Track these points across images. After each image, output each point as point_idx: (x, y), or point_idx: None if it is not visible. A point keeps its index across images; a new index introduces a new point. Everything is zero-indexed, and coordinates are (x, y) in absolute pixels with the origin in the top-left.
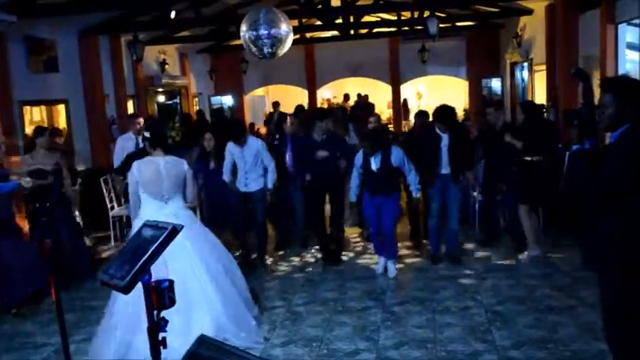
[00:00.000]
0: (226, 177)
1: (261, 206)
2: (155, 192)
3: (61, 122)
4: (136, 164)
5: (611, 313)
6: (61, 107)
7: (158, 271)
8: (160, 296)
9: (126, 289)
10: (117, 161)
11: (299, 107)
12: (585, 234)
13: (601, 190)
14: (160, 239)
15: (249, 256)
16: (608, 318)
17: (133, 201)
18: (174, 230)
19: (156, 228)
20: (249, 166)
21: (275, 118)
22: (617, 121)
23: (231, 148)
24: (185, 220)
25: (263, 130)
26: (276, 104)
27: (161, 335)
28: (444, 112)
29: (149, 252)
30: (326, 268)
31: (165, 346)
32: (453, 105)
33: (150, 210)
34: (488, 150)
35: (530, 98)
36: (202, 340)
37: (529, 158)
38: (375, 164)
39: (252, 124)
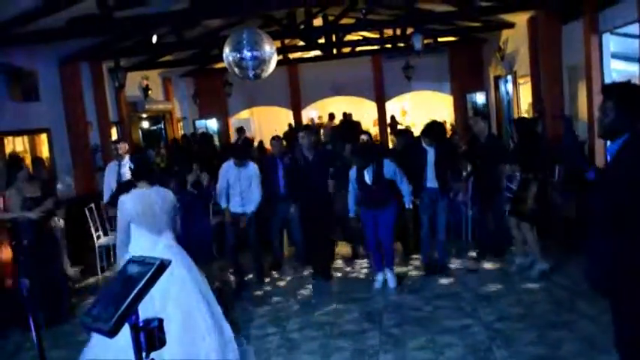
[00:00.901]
0: (222, 201)
1: (255, 228)
2: (151, 226)
3: (44, 151)
4: (128, 200)
5: (623, 334)
6: (44, 136)
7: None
8: (150, 337)
9: (112, 333)
10: (106, 191)
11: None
12: (591, 255)
13: (609, 214)
14: (147, 275)
15: (243, 279)
16: (620, 338)
17: (121, 239)
18: (162, 265)
19: (142, 264)
20: (245, 188)
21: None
22: (617, 128)
23: (228, 169)
24: (178, 251)
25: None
26: (240, 130)
27: None
28: (430, 126)
29: (136, 290)
30: (319, 290)
31: None
32: (440, 121)
33: (144, 244)
34: (475, 164)
35: (515, 111)
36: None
37: (526, 176)
38: (368, 178)
39: (260, 142)
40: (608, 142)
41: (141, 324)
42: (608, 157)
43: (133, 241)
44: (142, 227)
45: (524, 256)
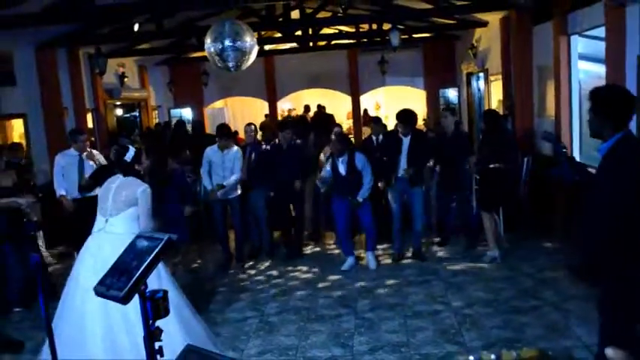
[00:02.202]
0: (207, 183)
1: (238, 212)
2: (102, 210)
3: (15, 137)
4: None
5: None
6: (15, 122)
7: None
8: (155, 306)
9: (124, 300)
10: (60, 183)
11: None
12: (586, 231)
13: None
14: (156, 250)
15: (231, 260)
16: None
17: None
18: (170, 241)
19: (150, 239)
20: (228, 173)
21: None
22: (599, 129)
23: (210, 154)
24: (116, 244)
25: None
26: (179, 124)
27: (157, 344)
28: (405, 112)
29: (145, 263)
30: (296, 276)
31: (162, 355)
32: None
33: (95, 226)
34: (441, 156)
35: (487, 107)
36: (189, 350)
37: (492, 166)
38: (342, 168)
39: (235, 132)
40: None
41: (147, 294)
42: (599, 155)
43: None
44: (98, 210)
45: (496, 247)
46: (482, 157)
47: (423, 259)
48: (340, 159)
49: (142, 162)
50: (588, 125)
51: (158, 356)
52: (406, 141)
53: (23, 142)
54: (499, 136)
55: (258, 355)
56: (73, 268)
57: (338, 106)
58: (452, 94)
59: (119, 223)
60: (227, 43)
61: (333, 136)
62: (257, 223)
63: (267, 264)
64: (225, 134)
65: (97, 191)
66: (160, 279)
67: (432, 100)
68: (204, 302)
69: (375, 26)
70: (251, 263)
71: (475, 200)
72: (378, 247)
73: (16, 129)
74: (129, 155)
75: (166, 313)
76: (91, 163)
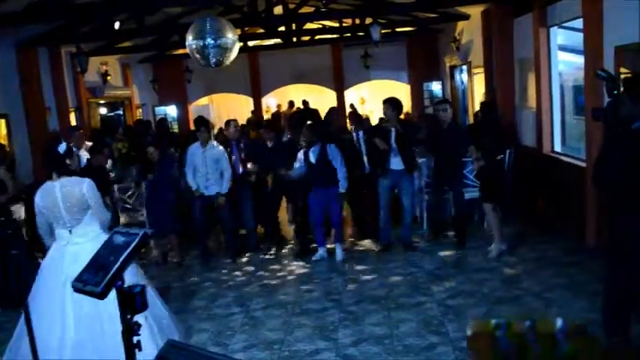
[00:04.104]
0: (191, 181)
1: (227, 208)
2: (57, 220)
3: None
4: (38, 192)
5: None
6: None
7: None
8: (132, 301)
9: (102, 295)
10: None
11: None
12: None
13: None
14: (133, 244)
15: (208, 258)
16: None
17: (42, 230)
18: (146, 235)
19: (127, 234)
20: (211, 170)
21: None
22: (634, 111)
23: (193, 151)
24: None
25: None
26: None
27: (135, 339)
28: (393, 99)
29: (122, 258)
30: (282, 271)
31: (140, 349)
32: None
33: (58, 239)
34: (438, 148)
35: (470, 100)
36: (171, 345)
37: (499, 157)
38: (313, 157)
39: (220, 130)
40: None
41: (125, 289)
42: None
43: (55, 232)
44: (52, 221)
45: (503, 239)
46: (485, 149)
47: (413, 250)
48: (312, 149)
49: (72, 157)
50: (611, 109)
51: (136, 350)
52: (393, 132)
53: (6, 142)
54: (496, 126)
55: (243, 350)
56: (39, 276)
57: (323, 101)
58: (436, 87)
59: (83, 231)
60: (208, 40)
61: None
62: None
63: (251, 259)
64: (203, 125)
65: (37, 199)
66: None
67: (416, 94)
68: (190, 298)
69: (357, 21)
70: (240, 258)
71: (478, 192)
72: (365, 240)
73: (1, 129)
74: (61, 148)
75: (144, 307)
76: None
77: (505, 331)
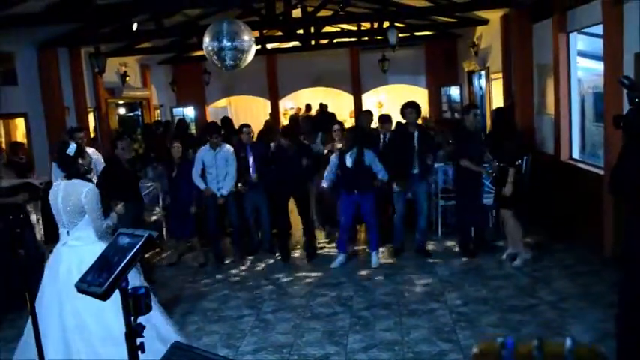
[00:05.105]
0: (199, 182)
1: (235, 209)
2: (58, 220)
3: (19, 136)
4: (52, 188)
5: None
6: (19, 121)
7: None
8: (137, 302)
9: (104, 296)
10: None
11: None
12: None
13: None
14: (137, 246)
15: (221, 260)
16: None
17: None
18: (150, 237)
19: (132, 236)
20: (221, 172)
21: None
22: None
23: (203, 154)
24: (83, 253)
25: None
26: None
27: (138, 340)
28: (413, 103)
29: (126, 259)
30: (293, 274)
31: (143, 351)
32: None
33: (60, 238)
34: (466, 155)
35: (487, 105)
36: (176, 347)
37: (519, 162)
38: (349, 161)
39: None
40: None
41: (130, 291)
42: None
43: None
44: (57, 221)
45: (526, 248)
46: (505, 154)
47: (428, 255)
48: (349, 153)
49: (84, 156)
50: (633, 117)
51: (139, 352)
52: (416, 135)
53: (25, 141)
54: (515, 132)
55: (252, 353)
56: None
57: (340, 104)
58: (454, 92)
59: (79, 234)
60: (225, 42)
61: (334, 134)
62: (257, 220)
63: (264, 261)
64: (216, 132)
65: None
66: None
67: (434, 99)
68: (201, 299)
69: (376, 24)
70: (249, 260)
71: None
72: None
73: (20, 128)
74: (71, 150)
75: (148, 309)
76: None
77: (511, 351)
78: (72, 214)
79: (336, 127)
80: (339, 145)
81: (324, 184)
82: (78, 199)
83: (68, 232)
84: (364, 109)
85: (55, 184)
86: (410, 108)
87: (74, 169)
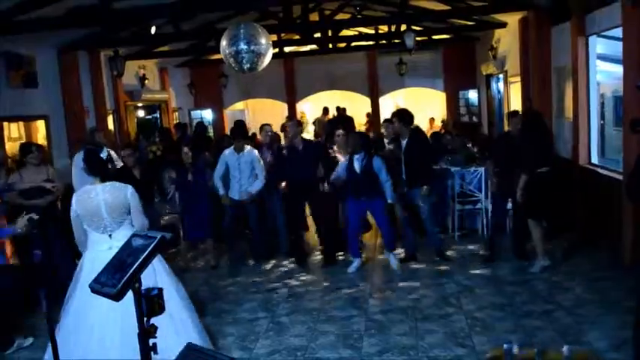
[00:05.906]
0: (219, 185)
1: (256, 214)
2: (97, 225)
3: (39, 139)
4: (75, 196)
5: None
6: (39, 123)
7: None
8: (150, 303)
9: (117, 297)
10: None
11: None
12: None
13: None
14: (150, 247)
15: (237, 262)
16: None
17: (78, 235)
18: (164, 239)
19: (145, 237)
20: (244, 175)
21: None
22: None
23: (227, 156)
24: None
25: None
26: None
27: (151, 341)
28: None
29: (139, 260)
30: (309, 277)
31: (156, 352)
32: (433, 116)
33: (95, 244)
34: (501, 159)
35: (505, 109)
36: (190, 348)
37: (542, 170)
38: (358, 166)
39: (254, 134)
40: None
41: (142, 292)
42: None
43: (88, 238)
44: (89, 226)
45: (546, 255)
46: (528, 160)
47: (446, 259)
48: (356, 157)
49: (113, 162)
50: None
51: (152, 353)
52: (403, 144)
53: (45, 143)
54: (542, 136)
55: (267, 356)
56: (80, 280)
57: (357, 108)
58: (472, 95)
59: (123, 234)
60: (242, 45)
61: (336, 139)
62: (274, 223)
63: (280, 264)
64: (240, 135)
65: (74, 204)
66: (156, 277)
67: (452, 102)
68: (216, 301)
69: (393, 28)
70: (268, 263)
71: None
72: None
73: (41, 130)
74: (104, 154)
75: (161, 310)
76: None
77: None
78: (118, 215)
79: (338, 132)
80: (339, 155)
81: (334, 181)
82: (125, 199)
83: (110, 234)
84: (381, 112)
85: (81, 190)
86: (397, 117)
87: (107, 172)
